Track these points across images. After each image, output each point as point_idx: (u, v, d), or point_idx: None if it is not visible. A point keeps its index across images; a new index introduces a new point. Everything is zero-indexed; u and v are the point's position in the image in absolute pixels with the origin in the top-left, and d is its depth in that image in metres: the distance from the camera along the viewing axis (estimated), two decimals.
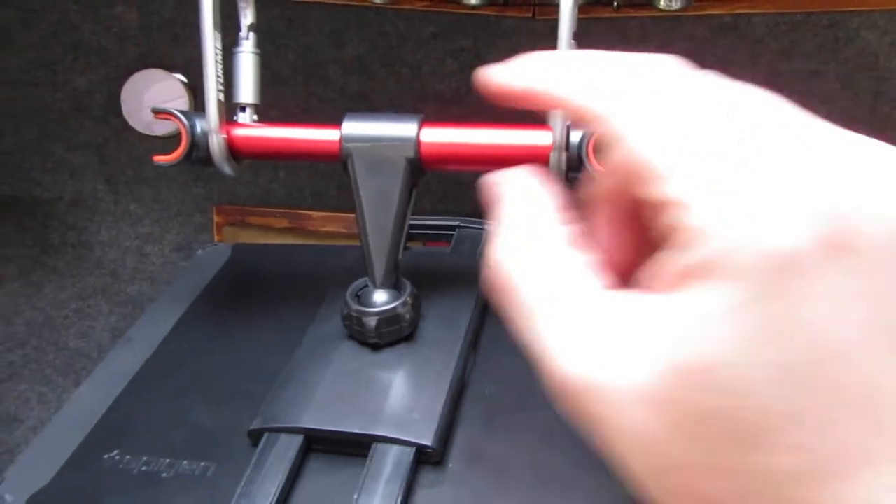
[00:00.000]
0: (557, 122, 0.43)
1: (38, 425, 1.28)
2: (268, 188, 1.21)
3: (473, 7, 1.14)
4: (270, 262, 0.61)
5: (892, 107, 1.05)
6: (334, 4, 1.15)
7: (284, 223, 1.19)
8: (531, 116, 1.17)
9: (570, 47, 0.43)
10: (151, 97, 1.16)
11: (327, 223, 1.19)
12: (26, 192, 1.20)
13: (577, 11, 0.43)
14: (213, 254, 0.62)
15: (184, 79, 1.16)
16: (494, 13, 1.14)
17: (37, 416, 1.28)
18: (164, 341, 0.51)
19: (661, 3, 0.99)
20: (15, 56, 1.15)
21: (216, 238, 1.21)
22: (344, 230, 1.18)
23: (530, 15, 1.14)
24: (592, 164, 0.42)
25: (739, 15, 1.07)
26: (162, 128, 1.17)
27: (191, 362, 0.50)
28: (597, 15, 1.11)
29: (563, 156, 0.42)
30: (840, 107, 1.06)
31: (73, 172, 1.20)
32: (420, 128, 0.44)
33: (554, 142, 0.43)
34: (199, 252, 0.62)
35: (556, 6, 1.16)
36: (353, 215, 1.19)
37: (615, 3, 1.13)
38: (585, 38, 1.12)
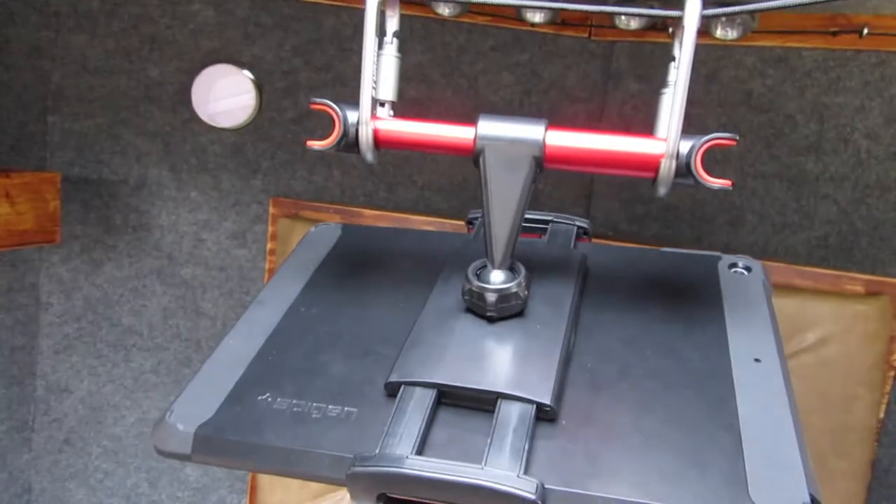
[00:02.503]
0: (671, 132, 0.47)
1: (87, 397, 1.34)
2: (322, 185, 1.26)
3: (533, 24, 1.19)
4: (380, 241, 0.67)
5: None
6: (402, 14, 1.21)
7: (337, 219, 1.24)
8: (587, 124, 1.21)
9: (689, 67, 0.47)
10: (220, 91, 1.22)
11: (377, 221, 1.24)
12: (95, 173, 1.26)
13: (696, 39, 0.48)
14: (325, 231, 0.68)
15: (251, 76, 1.22)
16: (552, 31, 1.20)
17: (86, 387, 1.34)
18: (293, 305, 0.57)
19: (718, 32, 1.03)
20: (97, 45, 1.22)
21: (270, 229, 1.26)
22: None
23: (586, 35, 1.19)
24: (699, 172, 0.47)
25: (790, 48, 1.11)
26: (226, 120, 1.23)
27: (321, 323, 0.55)
28: (651, 39, 1.16)
29: (673, 164, 0.47)
30: (882, 142, 1.10)
31: (139, 158, 1.26)
32: (546, 131, 0.49)
33: (666, 150, 0.47)
34: (312, 229, 0.68)
35: (613, 28, 1.21)
36: (400, 214, 1.24)
37: (669, 29, 1.18)
38: (636, 62, 1.17)
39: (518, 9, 1.07)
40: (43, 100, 1.23)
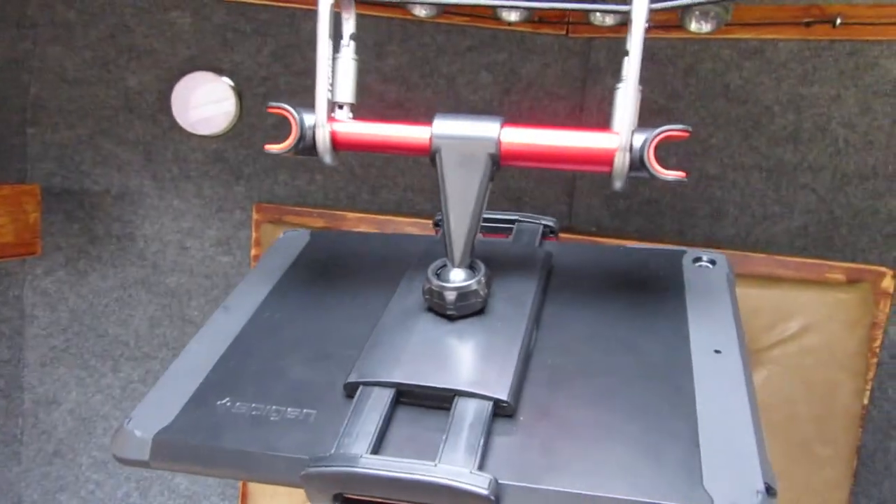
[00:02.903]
0: (624, 126, 0.48)
1: (76, 408, 1.33)
2: (305, 189, 1.27)
3: (510, 23, 1.20)
4: (348, 246, 0.67)
5: None
6: (379, 17, 1.21)
7: (321, 223, 1.24)
8: (566, 121, 1.22)
9: (639, 61, 0.48)
10: (199, 99, 1.22)
11: (361, 223, 1.24)
12: (76, 184, 1.26)
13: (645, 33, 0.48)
14: (294, 237, 0.68)
15: (230, 82, 1.22)
16: (530, 30, 1.20)
17: (74, 399, 1.33)
18: (257, 310, 0.58)
19: (692, 25, 1.04)
20: (74, 55, 1.21)
21: (254, 235, 1.26)
22: (376, 230, 1.23)
23: (564, 33, 1.20)
24: (653, 165, 0.47)
25: (766, 40, 1.12)
26: (207, 127, 1.23)
27: (284, 328, 0.56)
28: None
29: (627, 157, 0.47)
30: (859, 131, 1.11)
31: (120, 167, 1.26)
32: (501, 128, 0.49)
33: (620, 144, 0.48)
34: (280, 235, 0.68)
35: (590, 25, 1.21)
36: (384, 216, 1.24)
37: (647, 24, 1.19)
38: (615, 56, 1.17)
39: (494, 8, 1.08)
40: (22, 111, 1.23)
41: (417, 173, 1.25)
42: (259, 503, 1.23)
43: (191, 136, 1.24)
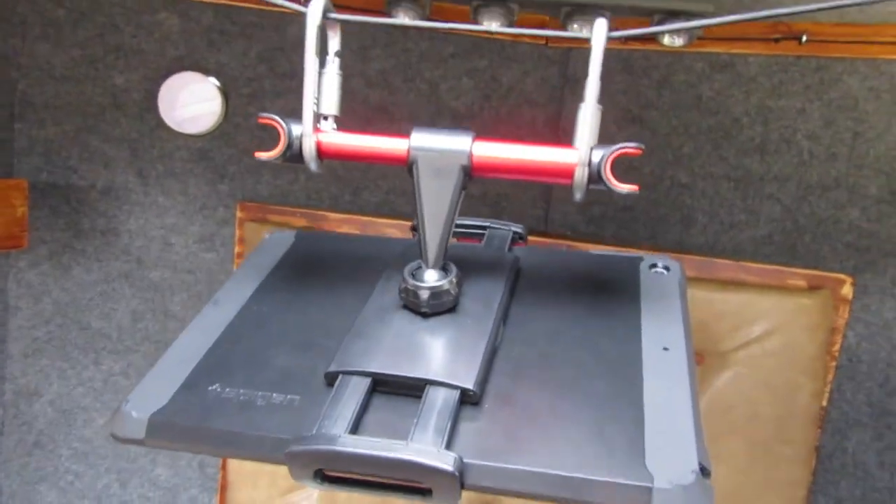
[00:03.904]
0: (583, 142, 0.52)
1: (57, 399, 1.35)
2: (288, 189, 1.29)
3: (491, 32, 1.23)
4: (330, 246, 0.72)
5: (869, 146, 1.14)
6: (363, 22, 1.24)
7: (303, 222, 1.27)
8: (549, 136, 1.25)
9: (598, 83, 0.53)
10: (186, 98, 1.24)
11: (342, 224, 1.27)
12: (63, 179, 1.28)
13: (604, 48, 0.53)
14: (280, 237, 0.72)
15: (217, 82, 1.24)
16: (510, 38, 1.24)
17: (56, 390, 1.35)
18: (245, 304, 0.62)
19: (665, 39, 1.08)
20: (62, 53, 1.23)
21: (237, 233, 1.29)
22: (357, 231, 1.26)
23: (544, 42, 1.24)
24: (609, 179, 0.52)
25: (736, 54, 1.16)
26: (192, 126, 1.26)
27: (271, 321, 0.60)
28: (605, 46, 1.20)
29: (586, 171, 0.52)
30: (823, 143, 1.16)
31: (107, 163, 1.28)
32: (473, 142, 0.54)
33: (579, 159, 0.52)
34: (267, 235, 0.72)
35: (581, 40, 1.26)
36: (366, 217, 1.27)
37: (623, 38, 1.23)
38: None
39: (476, 17, 1.11)
40: (9, 107, 1.25)
41: (398, 176, 1.29)
42: (238, 492, 1.26)
43: (177, 134, 1.27)
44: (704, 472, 0.44)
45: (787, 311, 1.13)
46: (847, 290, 1.15)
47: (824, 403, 1.17)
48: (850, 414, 1.21)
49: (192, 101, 1.24)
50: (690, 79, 1.19)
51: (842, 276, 1.15)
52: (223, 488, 1.29)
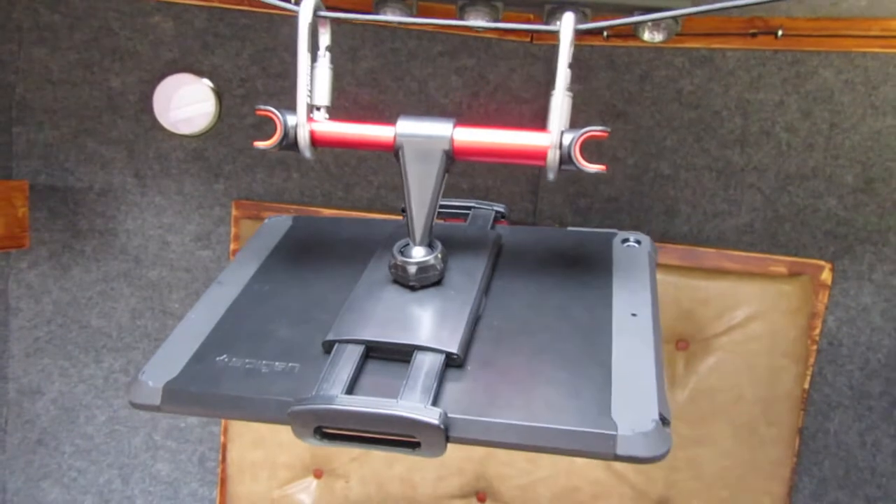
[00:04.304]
0: (555, 126, 0.56)
1: (59, 397, 1.38)
2: (282, 187, 1.32)
3: (474, 28, 1.27)
4: (325, 229, 0.76)
5: (845, 136, 1.18)
6: (353, 23, 1.27)
7: None
8: (532, 122, 1.28)
9: (567, 72, 0.57)
10: (180, 99, 1.27)
11: None
12: (61, 181, 1.31)
13: (573, 40, 0.57)
14: (278, 222, 0.77)
15: (210, 84, 1.27)
16: (496, 36, 1.27)
17: (58, 388, 1.38)
18: (248, 283, 0.66)
19: (645, 35, 1.12)
20: (59, 57, 1.26)
21: (233, 230, 1.32)
22: None
23: (529, 40, 1.27)
24: (578, 160, 0.56)
25: (715, 49, 1.20)
26: (187, 127, 1.29)
27: (272, 297, 0.64)
28: (588, 43, 1.24)
29: (558, 153, 0.56)
30: (800, 135, 1.20)
31: (104, 165, 1.31)
32: (454, 128, 0.58)
33: (551, 142, 0.57)
34: (266, 220, 0.76)
35: (553, 33, 1.29)
36: (357, 213, 1.30)
37: (604, 34, 1.27)
38: (577, 63, 1.24)
39: (462, 16, 1.14)
40: (8, 111, 1.28)
41: (389, 172, 1.32)
42: (238, 488, 1.29)
43: (172, 135, 1.29)
44: (664, 421, 0.49)
45: (768, 297, 1.17)
46: (826, 276, 1.19)
47: (806, 386, 1.21)
48: (832, 396, 1.25)
49: (187, 103, 1.27)
50: (671, 73, 1.23)
51: (821, 262, 1.19)
52: (223, 481, 1.32)
